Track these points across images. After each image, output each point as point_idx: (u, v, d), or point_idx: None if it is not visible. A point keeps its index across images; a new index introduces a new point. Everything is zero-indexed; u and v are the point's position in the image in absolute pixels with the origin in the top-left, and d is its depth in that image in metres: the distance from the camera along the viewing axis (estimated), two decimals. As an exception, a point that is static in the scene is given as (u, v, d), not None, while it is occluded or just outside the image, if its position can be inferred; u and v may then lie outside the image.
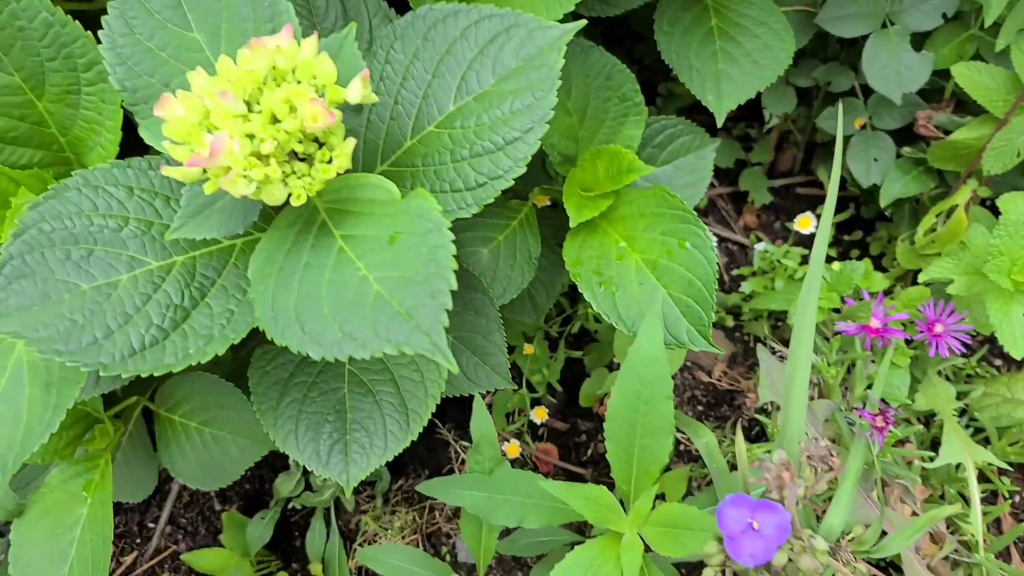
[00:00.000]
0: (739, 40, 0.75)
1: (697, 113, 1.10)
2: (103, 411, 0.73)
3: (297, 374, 0.59)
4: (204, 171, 0.43)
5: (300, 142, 0.44)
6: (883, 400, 0.77)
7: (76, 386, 0.50)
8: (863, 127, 0.90)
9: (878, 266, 1.00)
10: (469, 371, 0.68)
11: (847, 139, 0.93)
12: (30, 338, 0.45)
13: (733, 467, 0.81)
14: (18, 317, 0.46)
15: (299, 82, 0.44)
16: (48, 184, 0.54)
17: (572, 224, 0.66)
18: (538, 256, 0.73)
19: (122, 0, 0.48)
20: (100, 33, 0.47)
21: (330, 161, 0.45)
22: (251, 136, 0.43)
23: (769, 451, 0.80)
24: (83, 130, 0.52)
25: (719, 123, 0.74)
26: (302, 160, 0.45)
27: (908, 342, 0.86)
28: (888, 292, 0.92)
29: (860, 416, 0.73)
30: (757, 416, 0.90)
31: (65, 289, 0.47)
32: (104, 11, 0.65)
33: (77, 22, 0.48)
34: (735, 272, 1.04)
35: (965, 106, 0.87)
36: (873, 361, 0.88)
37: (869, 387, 0.85)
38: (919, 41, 0.83)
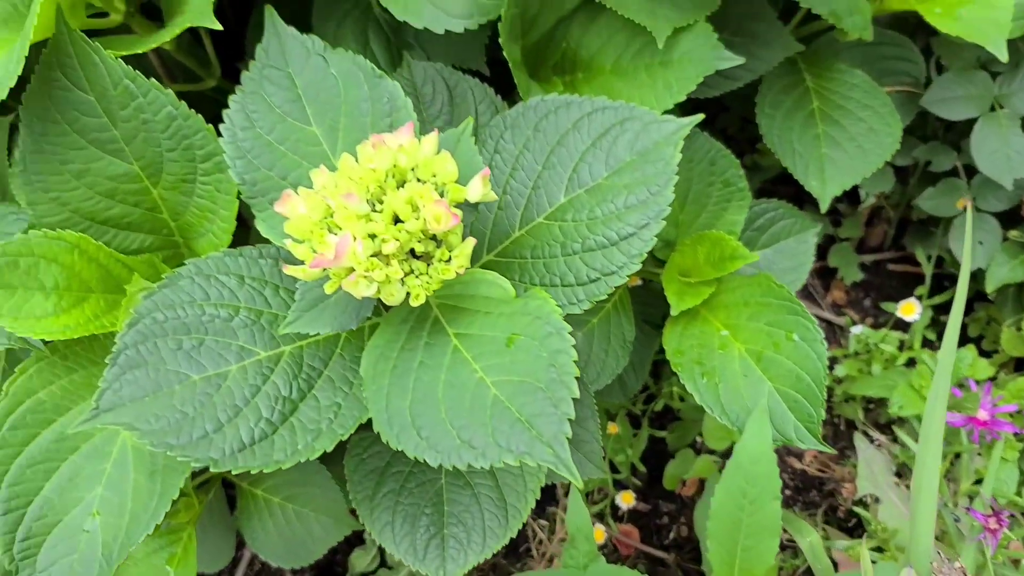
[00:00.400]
0: (843, 123, 0.73)
1: (783, 184, 1.08)
2: (190, 485, 0.72)
3: (394, 463, 0.58)
4: (324, 269, 0.43)
5: (420, 241, 0.43)
6: (993, 498, 0.73)
7: (181, 475, 0.49)
8: (965, 208, 0.87)
9: (979, 349, 0.96)
10: (563, 459, 0.66)
11: (948, 220, 0.90)
12: (143, 431, 0.45)
13: (834, 564, 0.77)
14: (131, 408, 0.46)
15: (421, 181, 0.44)
16: (159, 270, 0.55)
17: (673, 312, 0.65)
18: (632, 340, 0.71)
19: (244, 94, 0.48)
20: (221, 127, 0.48)
21: (449, 260, 0.44)
22: (373, 236, 0.42)
23: (873, 548, 0.77)
24: (195, 216, 0.53)
25: (823, 208, 0.72)
26: (419, 258, 0.44)
27: (1016, 435, 0.82)
28: (993, 379, 0.88)
29: (971, 516, 0.69)
30: (854, 508, 0.86)
31: (176, 380, 0.47)
32: (211, 92, 0.66)
33: (200, 116, 0.48)
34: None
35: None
36: (979, 454, 0.84)
37: (976, 482, 0.81)
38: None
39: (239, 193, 0.49)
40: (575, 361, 0.42)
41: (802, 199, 1.01)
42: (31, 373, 0.52)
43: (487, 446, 0.40)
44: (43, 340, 0.50)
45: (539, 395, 0.41)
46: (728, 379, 0.62)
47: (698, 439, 0.98)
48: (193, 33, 0.64)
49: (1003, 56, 0.60)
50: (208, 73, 0.64)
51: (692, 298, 0.65)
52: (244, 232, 0.60)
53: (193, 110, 0.48)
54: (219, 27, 0.46)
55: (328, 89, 0.48)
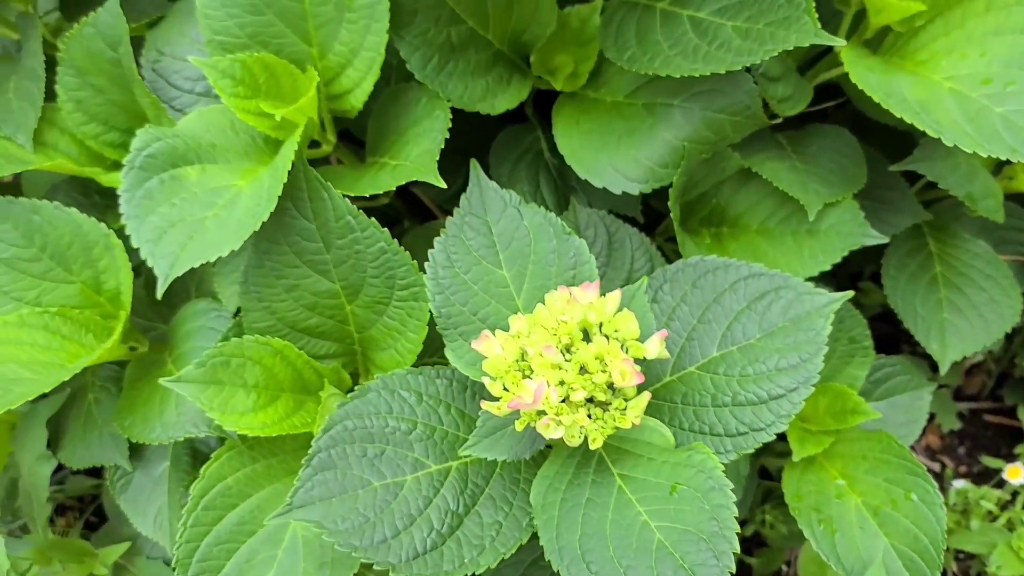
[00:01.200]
0: (965, 291, 0.77)
1: (881, 322, 1.11)
2: None
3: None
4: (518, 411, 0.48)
5: (602, 391, 0.48)
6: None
7: (351, 570, 0.54)
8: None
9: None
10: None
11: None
12: (331, 530, 0.50)
13: None
14: (320, 507, 0.51)
15: (606, 336, 0.49)
16: (343, 377, 0.61)
17: (794, 458, 0.68)
18: (747, 476, 0.75)
19: (446, 238, 0.55)
20: (426, 264, 0.54)
21: (624, 410, 0.49)
22: (561, 383, 0.47)
23: None
24: (380, 333, 0.59)
25: (942, 372, 0.75)
26: (596, 404, 0.49)
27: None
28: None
29: None
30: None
31: (360, 485, 0.52)
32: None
33: (407, 252, 0.55)
34: (917, 496, 1.02)
35: None
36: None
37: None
38: None
39: (431, 322, 0.55)
40: (735, 517, 0.46)
41: (899, 339, 1.04)
42: (223, 460, 0.58)
43: (653, 588, 0.45)
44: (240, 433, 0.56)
45: (702, 546, 0.45)
46: (844, 530, 0.65)
47: (784, 568, 1.00)
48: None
49: None
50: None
51: (813, 446, 0.68)
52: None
53: (402, 247, 0.55)
54: (443, 185, 0.53)
55: (520, 239, 0.55)
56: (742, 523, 1.02)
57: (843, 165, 0.66)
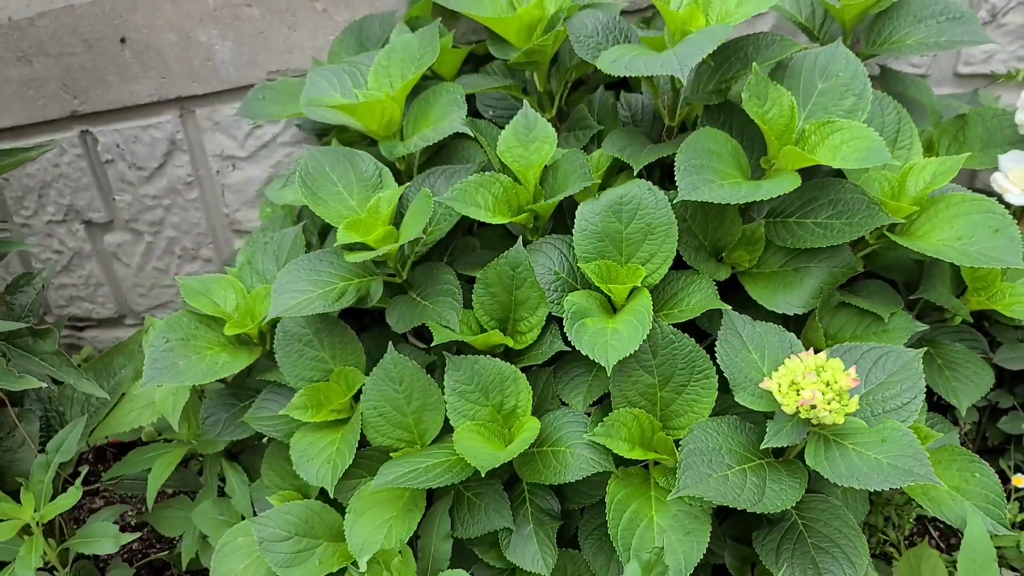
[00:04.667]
0: (957, 369, 1.28)
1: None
2: None
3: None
4: (797, 411, 0.94)
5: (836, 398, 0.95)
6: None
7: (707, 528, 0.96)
8: (1029, 426, 1.41)
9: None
10: None
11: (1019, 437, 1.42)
12: (704, 496, 0.93)
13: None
14: (694, 488, 0.94)
15: (826, 384, 0.96)
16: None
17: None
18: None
19: (722, 346, 1.03)
20: (718, 353, 1.01)
21: (847, 406, 0.96)
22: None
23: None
24: (678, 405, 1.04)
25: (962, 412, 1.25)
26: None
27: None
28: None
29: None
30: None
31: (711, 473, 0.96)
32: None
33: (701, 349, 1.02)
34: None
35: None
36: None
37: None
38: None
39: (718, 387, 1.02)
40: (921, 448, 0.92)
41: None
42: (614, 485, 1.00)
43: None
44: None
45: (908, 461, 0.91)
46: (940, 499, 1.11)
47: None
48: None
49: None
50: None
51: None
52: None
53: (702, 350, 1.03)
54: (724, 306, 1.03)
55: (760, 343, 1.03)
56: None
57: (887, 295, 1.19)
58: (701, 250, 1.10)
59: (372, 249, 1.09)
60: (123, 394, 1.38)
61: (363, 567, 0.97)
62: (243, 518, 1.41)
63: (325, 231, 1.48)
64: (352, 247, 1.09)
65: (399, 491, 1.09)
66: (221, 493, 1.42)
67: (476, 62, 1.47)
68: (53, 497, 1.23)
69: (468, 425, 1.03)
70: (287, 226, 1.52)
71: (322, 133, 1.66)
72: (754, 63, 1.05)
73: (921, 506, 1.11)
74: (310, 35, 1.63)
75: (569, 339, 1.00)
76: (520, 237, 1.09)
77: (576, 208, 1.19)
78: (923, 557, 1.35)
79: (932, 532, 1.51)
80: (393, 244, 1.06)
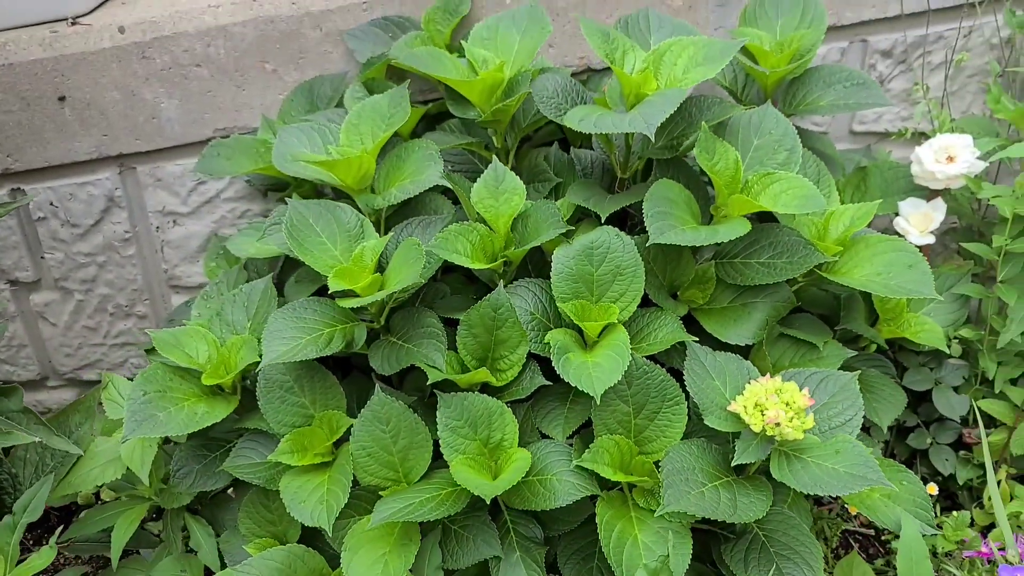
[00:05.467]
0: (875, 392, 1.44)
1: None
2: None
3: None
4: (763, 429, 1.05)
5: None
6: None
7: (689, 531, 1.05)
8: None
9: None
10: None
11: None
12: (686, 510, 1.02)
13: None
14: (677, 503, 1.03)
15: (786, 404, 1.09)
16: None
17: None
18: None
19: (689, 375, 1.13)
20: (687, 379, 1.12)
21: (803, 423, 1.08)
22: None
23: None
24: (651, 432, 1.14)
25: (884, 429, 1.40)
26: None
27: None
28: None
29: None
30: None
31: (693, 489, 1.05)
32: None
33: (673, 380, 1.13)
34: None
35: None
36: None
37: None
38: None
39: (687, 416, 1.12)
40: (869, 452, 1.05)
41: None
42: (602, 506, 1.08)
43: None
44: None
45: (862, 468, 1.03)
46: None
47: None
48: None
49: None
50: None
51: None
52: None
53: (672, 379, 1.13)
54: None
55: (727, 377, 1.15)
56: None
57: (817, 326, 1.34)
58: (661, 289, 1.22)
59: (358, 296, 1.15)
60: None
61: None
62: (207, 572, 1.40)
63: (280, 284, 1.51)
64: (341, 294, 1.14)
65: (390, 527, 1.13)
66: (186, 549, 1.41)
67: (428, 120, 1.56)
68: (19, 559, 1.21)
69: (461, 459, 1.10)
70: (241, 279, 1.55)
71: (272, 189, 1.71)
72: (703, 122, 1.19)
73: (844, 520, 1.25)
74: (259, 94, 1.68)
75: (557, 372, 1.08)
76: (500, 281, 1.18)
77: (538, 254, 1.28)
78: (854, 564, 1.49)
79: (853, 543, 1.66)
80: (381, 291, 1.12)
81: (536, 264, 1.32)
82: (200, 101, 1.69)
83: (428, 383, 1.12)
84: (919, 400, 1.64)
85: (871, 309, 1.43)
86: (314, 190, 1.55)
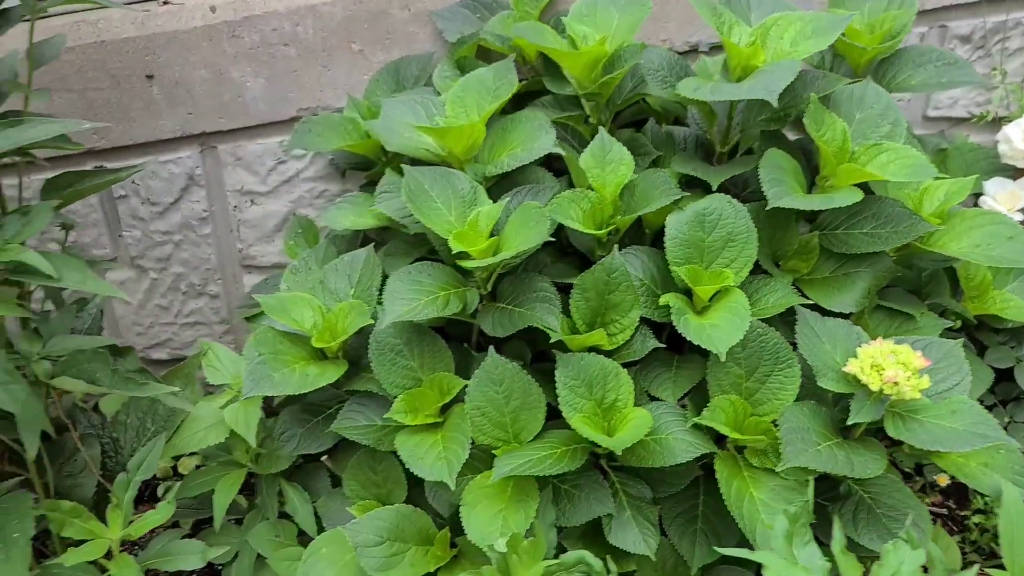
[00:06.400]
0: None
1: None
2: None
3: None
4: (880, 389, 1.07)
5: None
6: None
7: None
8: None
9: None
10: None
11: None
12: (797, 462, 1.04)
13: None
14: (799, 459, 1.05)
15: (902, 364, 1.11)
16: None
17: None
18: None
19: (802, 333, 1.16)
20: (800, 344, 1.14)
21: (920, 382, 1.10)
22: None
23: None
24: (762, 395, 1.16)
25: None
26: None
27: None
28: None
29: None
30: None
31: (812, 446, 1.08)
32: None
33: (779, 335, 1.15)
34: None
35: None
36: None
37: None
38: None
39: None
40: (984, 406, 1.07)
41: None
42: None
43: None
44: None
45: (982, 426, 1.05)
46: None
47: None
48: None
49: None
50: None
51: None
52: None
53: (786, 342, 1.15)
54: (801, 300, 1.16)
55: (827, 336, 1.17)
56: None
57: (910, 299, 1.36)
58: (766, 259, 1.24)
59: (474, 259, 1.17)
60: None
61: (501, 547, 1.03)
62: (301, 536, 1.43)
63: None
64: (458, 256, 1.17)
65: (503, 484, 1.15)
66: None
67: (515, 100, 1.59)
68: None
69: (579, 417, 1.12)
70: (330, 254, 1.57)
71: (354, 167, 1.74)
72: (812, 94, 1.21)
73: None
74: (344, 74, 1.71)
75: (680, 331, 1.11)
76: (615, 246, 1.20)
77: (636, 224, 1.31)
78: (938, 537, 1.51)
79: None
80: (500, 254, 1.14)
81: (632, 234, 1.35)
82: (285, 80, 1.72)
83: (552, 342, 1.15)
84: (996, 379, 1.66)
85: (955, 287, 1.46)
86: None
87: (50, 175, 1.42)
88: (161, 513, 1.20)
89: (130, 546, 1.56)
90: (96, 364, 1.08)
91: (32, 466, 1.20)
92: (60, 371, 1.09)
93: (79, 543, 1.20)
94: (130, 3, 1.72)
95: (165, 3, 1.71)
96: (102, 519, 1.21)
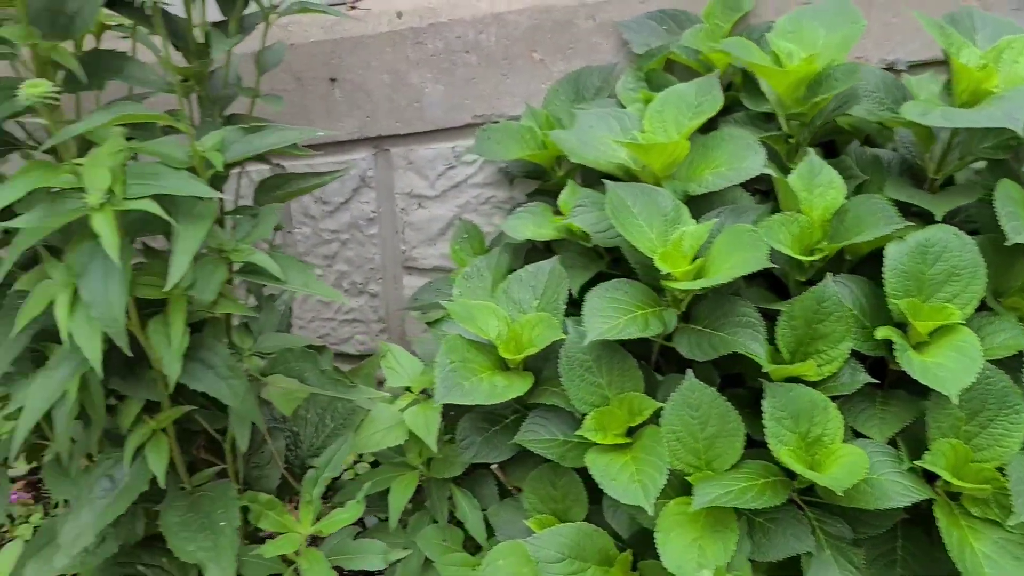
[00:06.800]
0: None
1: None
2: None
3: None
4: None
5: None
6: None
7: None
8: None
9: None
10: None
11: None
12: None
13: None
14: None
15: None
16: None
17: None
18: None
19: None
20: (1028, 391, 1.07)
21: None
22: None
23: None
24: (982, 440, 1.09)
25: None
26: None
27: None
28: None
29: None
30: None
31: None
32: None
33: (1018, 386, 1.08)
34: None
35: None
36: None
37: None
38: None
39: None
40: None
41: None
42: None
43: None
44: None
45: None
46: None
47: None
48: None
49: None
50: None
51: None
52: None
53: (1015, 386, 1.08)
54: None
55: None
56: None
57: None
58: (989, 295, 1.17)
59: (678, 280, 1.14)
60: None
61: (707, 579, 1.00)
62: (466, 543, 1.43)
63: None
64: (663, 277, 1.15)
65: (697, 514, 1.12)
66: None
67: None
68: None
69: (787, 450, 1.08)
70: (503, 262, 1.57)
71: (527, 176, 1.74)
72: (1055, 122, 1.13)
73: None
74: (523, 83, 1.71)
75: (903, 368, 1.05)
76: (828, 274, 1.15)
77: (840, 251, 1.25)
78: None
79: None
80: (711, 279, 1.11)
81: (831, 260, 1.29)
82: (463, 87, 1.73)
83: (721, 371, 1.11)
84: None
85: None
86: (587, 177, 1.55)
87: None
88: (351, 512, 1.21)
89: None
90: (305, 363, 1.10)
91: (230, 457, 1.24)
92: (270, 368, 1.12)
93: (269, 536, 1.23)
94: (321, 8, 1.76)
95: (352, 7, 1.75)
96: (282, 512, 1.25)
